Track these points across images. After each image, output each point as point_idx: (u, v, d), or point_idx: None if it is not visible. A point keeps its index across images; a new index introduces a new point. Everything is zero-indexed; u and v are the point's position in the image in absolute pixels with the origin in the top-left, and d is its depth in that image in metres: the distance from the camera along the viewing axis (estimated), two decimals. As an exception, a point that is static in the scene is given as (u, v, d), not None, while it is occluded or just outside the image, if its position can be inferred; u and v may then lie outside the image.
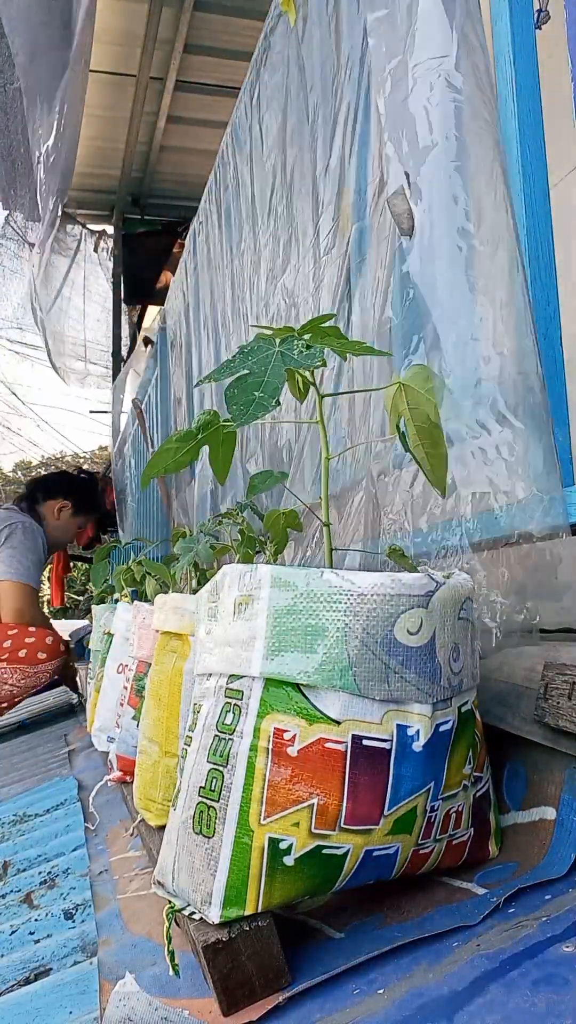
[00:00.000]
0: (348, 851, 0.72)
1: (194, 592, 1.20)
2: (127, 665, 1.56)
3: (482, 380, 0.95)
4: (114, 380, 5.52)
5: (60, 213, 4.52)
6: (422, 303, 1.02)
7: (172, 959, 0.73)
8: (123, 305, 5.60)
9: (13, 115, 3.34)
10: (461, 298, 0.99)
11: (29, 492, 3.68)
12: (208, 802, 0.73)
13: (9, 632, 3.22)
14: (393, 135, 1.04)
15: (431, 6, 1.01)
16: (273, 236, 1.78)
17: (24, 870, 1.40)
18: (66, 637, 3.49)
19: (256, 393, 0.77)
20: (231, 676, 0.76)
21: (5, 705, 3.25)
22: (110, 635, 1.87)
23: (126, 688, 1.48)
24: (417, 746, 0.73)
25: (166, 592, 1.28)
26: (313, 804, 0.71)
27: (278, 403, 0.77)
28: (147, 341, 3.21)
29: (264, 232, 1.84)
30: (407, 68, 1.04)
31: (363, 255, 1.32)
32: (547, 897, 0.75)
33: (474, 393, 0.95)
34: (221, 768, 0.74)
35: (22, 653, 3.18)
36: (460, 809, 0.81)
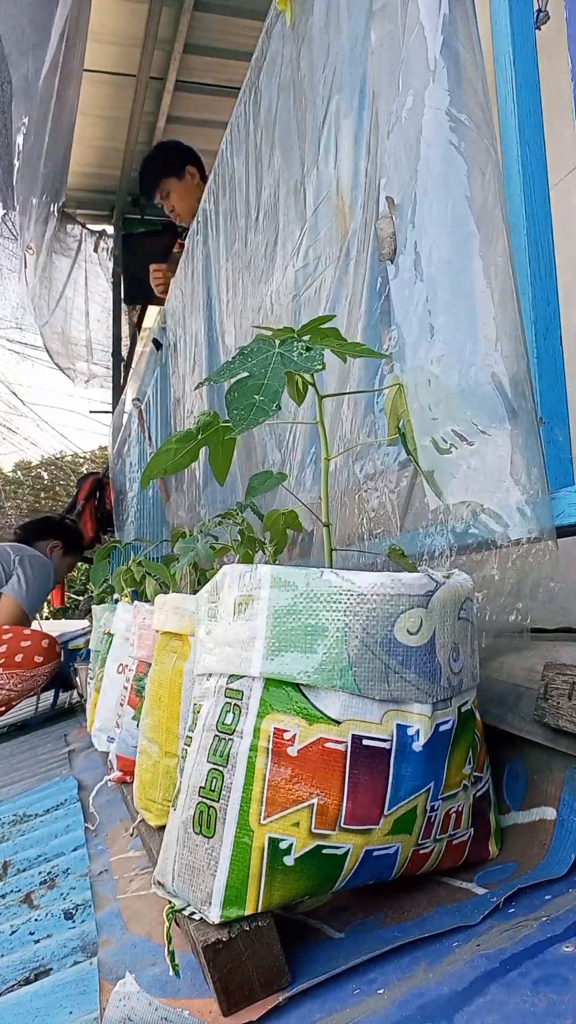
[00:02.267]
0: (348, 851, 0.72)
1: (194, 592, 1.20)
2: (127, 665, 1.56)
3: (472, 385, 0.95)
4: (113, 380, 5.51)
5: (55, 212, 4.51)
6: (404, 309, 1.01)
7: (172, 959, 0.73)
8: (123, 305, 5.59)
9: (8, 114, 3.33)
10: (448, 303, 0.99)
11: (21, 537, 3.95)
12: (208, 802, 0.73)
13: (4, 636, 3.22)
14: (384, 151, 1.05)
15: (424, 15, 1.01)
16: (268, 236, 1.78)
17: (24, 870, 1.41)
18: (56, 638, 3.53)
19: (256, 396, 0.77)
20: (231, 676, 0.76)
21: (2, 708, 3.25)
22: (110, 635, 1.88)
23: (126, 688, 1.48)
24: (417, 746, 0.73)
25: (166, 592, 1.28)
26: (313, 804, 0.71)
27: (278, 407, 0.77)
28: (157, 344, 3.21)
29: (260, 232, 1.84)
30: (398, 83, 1.04)
31: (353, 258, 1.32)
32: (547, 897, 0.75)
33: (464, 397, 0.95)
34: (221, 768, 0.74)
35: (18, 658, 3.18)
36: (460, 809, 0.81)
